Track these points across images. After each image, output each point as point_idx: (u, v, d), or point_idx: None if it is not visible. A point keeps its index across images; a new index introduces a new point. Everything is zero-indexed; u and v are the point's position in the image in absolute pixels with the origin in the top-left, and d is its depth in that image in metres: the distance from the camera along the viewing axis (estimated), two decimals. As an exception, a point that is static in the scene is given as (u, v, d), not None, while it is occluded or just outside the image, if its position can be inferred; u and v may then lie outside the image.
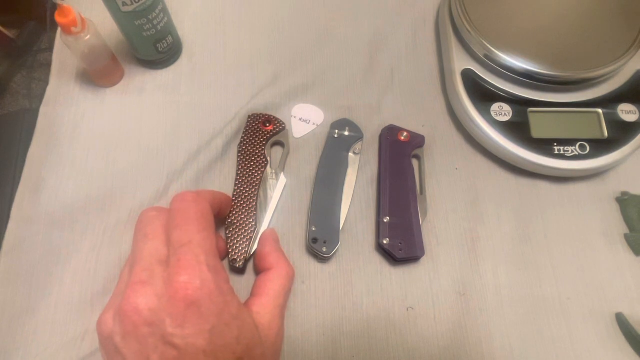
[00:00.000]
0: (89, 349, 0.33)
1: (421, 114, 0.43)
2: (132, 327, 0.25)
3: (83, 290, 0.36)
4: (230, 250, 0.36)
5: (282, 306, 0.32)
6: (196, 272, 0.26)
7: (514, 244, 0.38)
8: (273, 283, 0.32)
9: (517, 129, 0.39)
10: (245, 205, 0.37)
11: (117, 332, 0.26)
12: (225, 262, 0.36)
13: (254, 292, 0.32)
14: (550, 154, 0.38)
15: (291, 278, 0.34)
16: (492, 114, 0.40)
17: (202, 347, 0.25)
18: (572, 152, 0.39)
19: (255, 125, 0.41)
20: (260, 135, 0.40)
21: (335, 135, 0.41)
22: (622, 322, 0.36)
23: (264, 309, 0.30)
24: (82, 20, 0.36)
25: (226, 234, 0.36)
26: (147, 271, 0.27)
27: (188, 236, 0.28)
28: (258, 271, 0.35)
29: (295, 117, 0.43)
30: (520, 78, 0.40)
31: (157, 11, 0.39)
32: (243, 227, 0.36)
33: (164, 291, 0.25)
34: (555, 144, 0.39)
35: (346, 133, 0.41)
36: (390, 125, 0.41)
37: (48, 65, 0.45)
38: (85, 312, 0.35)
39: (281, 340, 0.32)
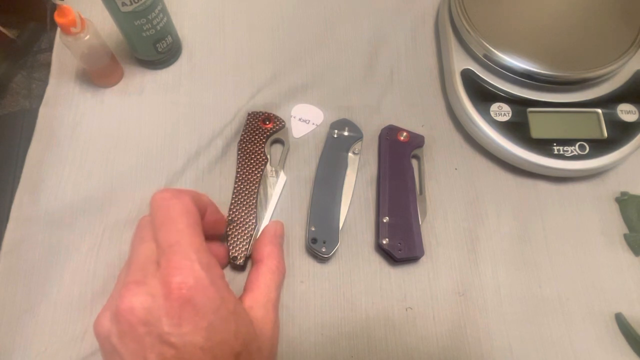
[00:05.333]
0: (89, 349, 0.34)
1: (421, 114, 0.43)
2: (128, 327, 0.25)
3: (83, 290, 0.36)
4: (230, 248, 0.36)
5: (275, 300, 0.32)
6: (188, 272, 0.26)
7: (513, 244, 0.38)
8: (264, 277, 0.32)
9: (517, 129, 0.39)
10: (245, 203, 0.37)
11: (114, 332, 0.26)
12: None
13: (246, 287, 0.33)
14: (550, 154, 0.38)
15: (281, 272, 0.34)
16: (492, 114, 0.40)
17: (199, 344, 0.25)
18: (572, 152, 0.39)
19: (255, 123, 0.41)
20: (260, 133, 0.40)
21: (335, 135, 0.41)
22: (621, 322, 0.36)
23: (256, 303, 0.31)
24: (82, 20, 0.36)
25: (226, 231, 0.36)
26: (142, 271, 0.27)
27: (175, 236, 0.27)
28: (252, 262, 0.35)
29: (294, 117, 0.43)
30: (520, 78, 0.40)
31: (156, 11, 0.39)
32: (243, 224, 0.37)
33: (158, 290, 0.25)
34: (555, 144, 0.39)
35: (346, 133, 0.41)
36: (390, 125, 0.41)
37: (48, 65, 0.45)
38: (85, 312, 0.35)
39: (277, 334, 0.32)
